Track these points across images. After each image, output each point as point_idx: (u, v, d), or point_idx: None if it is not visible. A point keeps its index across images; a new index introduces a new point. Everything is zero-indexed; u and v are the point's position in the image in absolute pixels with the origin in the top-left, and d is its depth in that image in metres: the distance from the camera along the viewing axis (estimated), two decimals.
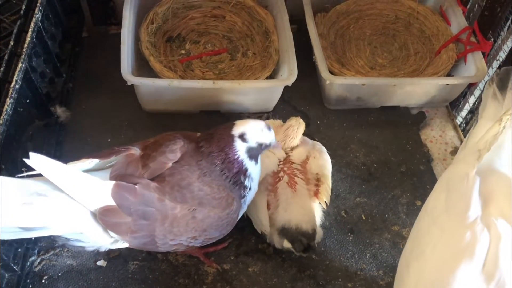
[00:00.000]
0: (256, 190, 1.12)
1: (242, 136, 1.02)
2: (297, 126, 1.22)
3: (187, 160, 1.01)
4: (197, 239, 1.05)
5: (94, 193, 0.93)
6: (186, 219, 1.00)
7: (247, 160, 1.04)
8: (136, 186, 0.95)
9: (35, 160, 0.86)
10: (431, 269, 0.85)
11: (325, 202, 1.17)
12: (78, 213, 0.92)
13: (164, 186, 0.97)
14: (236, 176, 1.04)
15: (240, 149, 1.03)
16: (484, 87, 1.05)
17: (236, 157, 1.02)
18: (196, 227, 1.02)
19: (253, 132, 1.03)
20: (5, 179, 0.86)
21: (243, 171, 1.04)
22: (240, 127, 1.03)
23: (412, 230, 0.98)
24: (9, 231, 0.88)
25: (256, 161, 1.08)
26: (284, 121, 1.28)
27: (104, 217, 0.93)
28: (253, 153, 1.05)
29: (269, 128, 1.05)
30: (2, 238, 0.88)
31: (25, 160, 0.86)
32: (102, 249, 1.02)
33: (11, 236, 0.89)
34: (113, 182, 0.94)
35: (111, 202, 0.93)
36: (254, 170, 1.07)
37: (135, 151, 1.02)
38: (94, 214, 0.93)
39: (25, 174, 0.91)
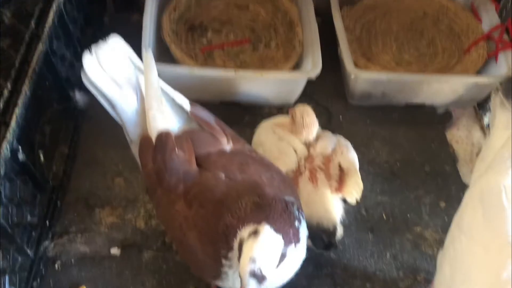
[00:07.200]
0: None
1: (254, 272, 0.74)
2: (306, 111, 1.16)
3: (231, 199, 0.84)
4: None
5: (155, 118, 0.93)
6: (174, 216, 0.90)
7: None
8: (176, 151, 0.91)
9: (149, 56, 0.94)
10: None
11: (355, 197, 1.11)
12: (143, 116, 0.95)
13: (192, 187, 0.89)
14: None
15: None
16: (490, 97, 1.02)
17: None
18: (173, 235, 0.94)
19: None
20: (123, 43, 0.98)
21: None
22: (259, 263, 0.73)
23: (445, 252, 0.93)
24: (102, 82, 0.95)
25: None
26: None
27: (142, 139, 0.95)
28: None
29: None
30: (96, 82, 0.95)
31: (144, 51, 0.97)
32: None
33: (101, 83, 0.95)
34: (167, 131, 0.93)
35: (154, 139, 0.93)
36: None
37: (225, 143, 0.96)
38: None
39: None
